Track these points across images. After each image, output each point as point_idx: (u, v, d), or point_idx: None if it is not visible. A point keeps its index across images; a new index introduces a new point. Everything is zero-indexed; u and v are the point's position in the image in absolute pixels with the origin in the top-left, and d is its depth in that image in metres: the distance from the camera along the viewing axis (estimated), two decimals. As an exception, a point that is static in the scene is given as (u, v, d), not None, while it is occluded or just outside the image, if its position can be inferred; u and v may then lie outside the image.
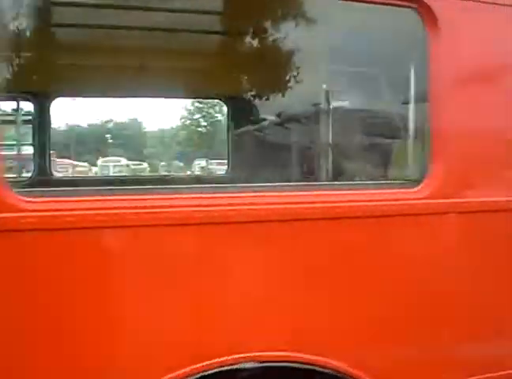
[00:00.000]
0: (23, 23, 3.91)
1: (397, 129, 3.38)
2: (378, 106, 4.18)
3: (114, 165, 19.77)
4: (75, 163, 20.24)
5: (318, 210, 2.43)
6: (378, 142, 3.70)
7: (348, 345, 2.49)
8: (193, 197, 2.31)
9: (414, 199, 2.56)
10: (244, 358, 2.31)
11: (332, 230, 2.47)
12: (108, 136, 24.76)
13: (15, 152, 5.48)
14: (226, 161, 5.62)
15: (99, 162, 20.55)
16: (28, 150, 5.27)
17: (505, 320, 2.74)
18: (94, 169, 20.22)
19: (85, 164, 20.86)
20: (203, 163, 18.15)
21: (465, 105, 2.64)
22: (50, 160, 5.16)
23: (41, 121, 5.01)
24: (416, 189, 2.59)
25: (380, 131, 3.76)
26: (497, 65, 2.70)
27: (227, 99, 5.64)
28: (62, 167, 19.59)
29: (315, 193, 2.50)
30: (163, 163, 24.72)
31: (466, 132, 2.65)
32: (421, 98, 2.76)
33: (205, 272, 2.28)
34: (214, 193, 2.46)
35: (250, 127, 5.27)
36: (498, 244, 2.70)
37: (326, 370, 2.39)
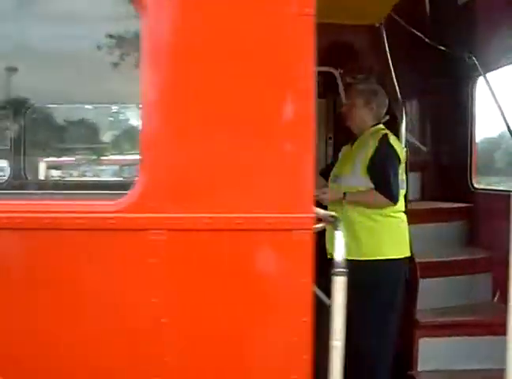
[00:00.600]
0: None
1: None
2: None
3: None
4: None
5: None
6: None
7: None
8: None
9: (106, 212, 2.23)
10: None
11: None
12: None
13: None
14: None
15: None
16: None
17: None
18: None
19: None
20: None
21: (176, 103, 2.23)
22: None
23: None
24: (115, 201, 2.25)
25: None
26: (216, 58, 2.21)
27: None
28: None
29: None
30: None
31: (177, 137, 2.24)
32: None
33: None
34: None
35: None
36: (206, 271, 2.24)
37: None
